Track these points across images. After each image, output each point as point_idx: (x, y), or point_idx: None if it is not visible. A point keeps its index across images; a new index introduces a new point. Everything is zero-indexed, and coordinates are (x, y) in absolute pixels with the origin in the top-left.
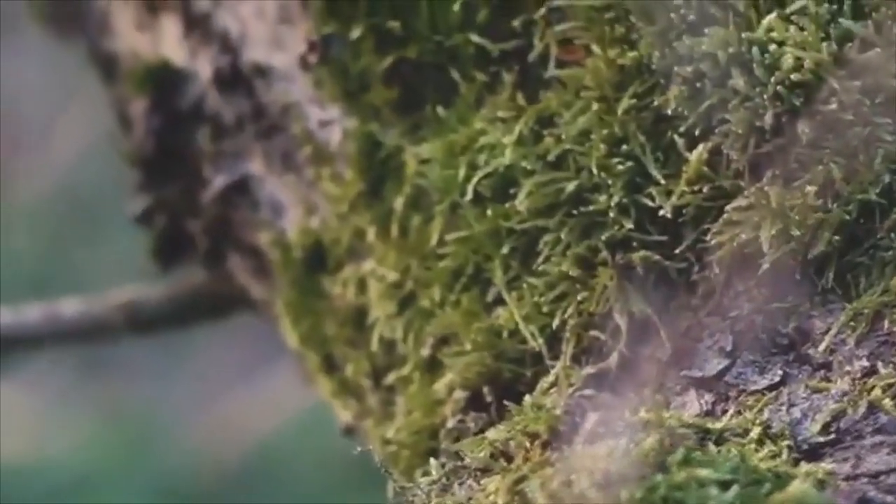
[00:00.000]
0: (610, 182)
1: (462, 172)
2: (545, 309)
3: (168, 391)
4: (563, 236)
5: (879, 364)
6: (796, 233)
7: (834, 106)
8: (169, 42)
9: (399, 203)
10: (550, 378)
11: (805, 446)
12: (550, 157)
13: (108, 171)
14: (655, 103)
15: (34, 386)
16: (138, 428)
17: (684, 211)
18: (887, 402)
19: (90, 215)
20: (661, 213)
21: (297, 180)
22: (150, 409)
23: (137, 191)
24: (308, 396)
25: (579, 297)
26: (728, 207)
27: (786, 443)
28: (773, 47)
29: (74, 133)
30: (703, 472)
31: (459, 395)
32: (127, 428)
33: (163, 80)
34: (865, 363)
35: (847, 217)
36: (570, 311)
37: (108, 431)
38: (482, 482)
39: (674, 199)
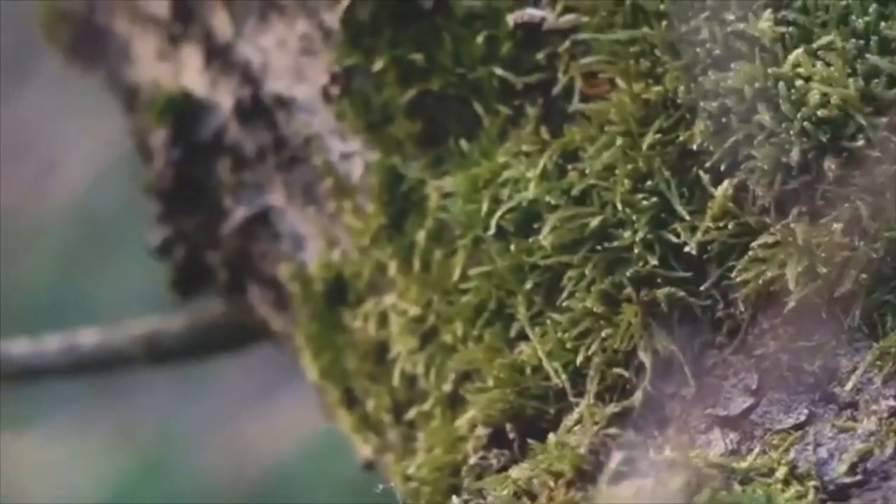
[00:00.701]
0: (634, 218)
1: (485, 206)
2: (569, 345)
3: (183, 414)
4: (587, 272)
5: None
6: (823, 270)
7: (861, 142)
8: (190, 72)
9: (421, 237)
10: (574, 416)
11: (832, 487)
12: (574, 192)
13: (125, 193)
14: (681, 138)
15: (47, 409)
16: (153, 451)
17: (709, 247)
18: None
19: (107, 237)
20: (686, 249)
21: (318, 213)
22: (164, 432)
23: (156, 222)
24: (323, 421)
25: (603, 334)
26: (754, 244)
27: (812, 483)
28: (799, 83)
29: (91, 155)
30: None
31: (482, 431)
32: (141, 451)
33: (183, 111)
34: (892, 403)
35: (874, 255)
36: (594, 347)
37: (123, 455)
38: None
39: (699, 235)
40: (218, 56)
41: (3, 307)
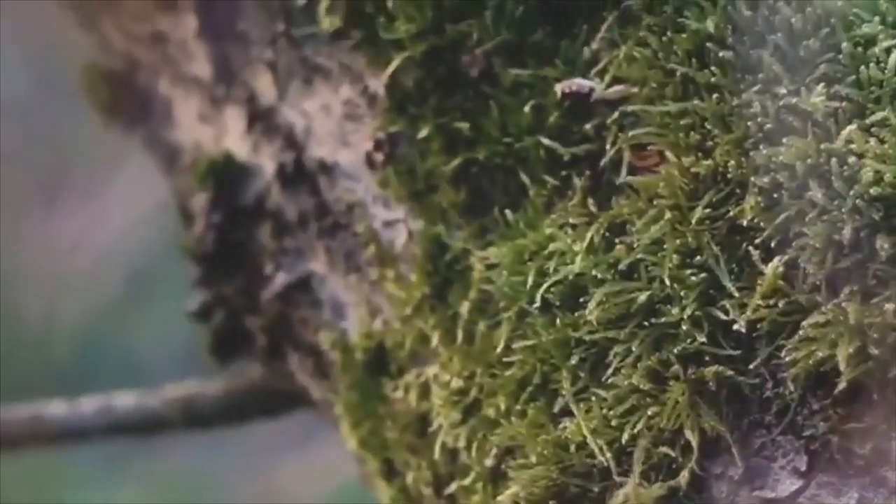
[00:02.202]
0: (683, 294)
1: (530, 279)
2: (614, 422)
3: (218, 459)
4: (633, 348)
5: None
6: (874, 352)
7: None
8: (232, 135)
9: (464, 308)
10: (619, 496)
11: None
12: (622, 266)
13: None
14: (731, 213)
15: (82, 455)
16: (188, 497)
17: (759, 325)
18: None
19: (143, 284)
20: (735, 327)
21: (360, 280)
22: (199, 477)
23: (195, 286)
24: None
25: (650, 412)
26: (804, 323)
27: None
28: (852, 159)
29: (128, 200)
30: None
31: None
32: (177, 497)
33: (225, 175)
34: None
35: None
36: (639, 425)
37: (158, 501)
38: None
39: (748, 312)
40: (261, 119)
41: (45, 354)
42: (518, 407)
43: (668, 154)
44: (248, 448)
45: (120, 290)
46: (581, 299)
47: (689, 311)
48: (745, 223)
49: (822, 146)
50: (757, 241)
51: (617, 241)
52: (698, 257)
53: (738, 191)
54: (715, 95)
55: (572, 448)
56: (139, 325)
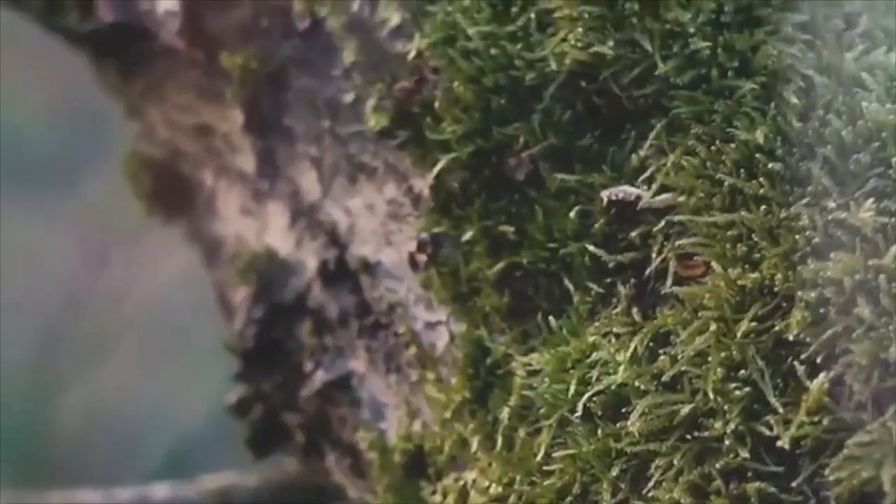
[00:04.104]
0: (726, 407)
1: (572, 387)
2: None
3: None
4: (675, 462)
5: None
6: None
7: None
8: (275, 230)
9: (505, 413)
10: None
11: None
12: (665, 378)
13: (197, 297)
14: (776, 328)
15: None
16: None
17: (803, 442)
18: None
19: (177, 342)
20: (779, 443)
21: (400, 381)
22: None
23: (235, 379)
24: None
25: None
26: (849, 442)
27: None
28: None
29: (162, 256)
30: None
31: None
32: None
33: (267, 270)
34: None
35: None
36: None
37: None
38: None
39: (792, 429)
40: (304, 215)
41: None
42: None
43: (715, 265)
44: None
45: (159, 345)
46: (623, 410)
47: (732, 426)
48: (791, 338)
49: (871, 262)
50: (803, 356)
51: (661, 351)
52: (743, 371)
53: (784, 305)
54: (763, 207)
55: None
56: (173, 380)
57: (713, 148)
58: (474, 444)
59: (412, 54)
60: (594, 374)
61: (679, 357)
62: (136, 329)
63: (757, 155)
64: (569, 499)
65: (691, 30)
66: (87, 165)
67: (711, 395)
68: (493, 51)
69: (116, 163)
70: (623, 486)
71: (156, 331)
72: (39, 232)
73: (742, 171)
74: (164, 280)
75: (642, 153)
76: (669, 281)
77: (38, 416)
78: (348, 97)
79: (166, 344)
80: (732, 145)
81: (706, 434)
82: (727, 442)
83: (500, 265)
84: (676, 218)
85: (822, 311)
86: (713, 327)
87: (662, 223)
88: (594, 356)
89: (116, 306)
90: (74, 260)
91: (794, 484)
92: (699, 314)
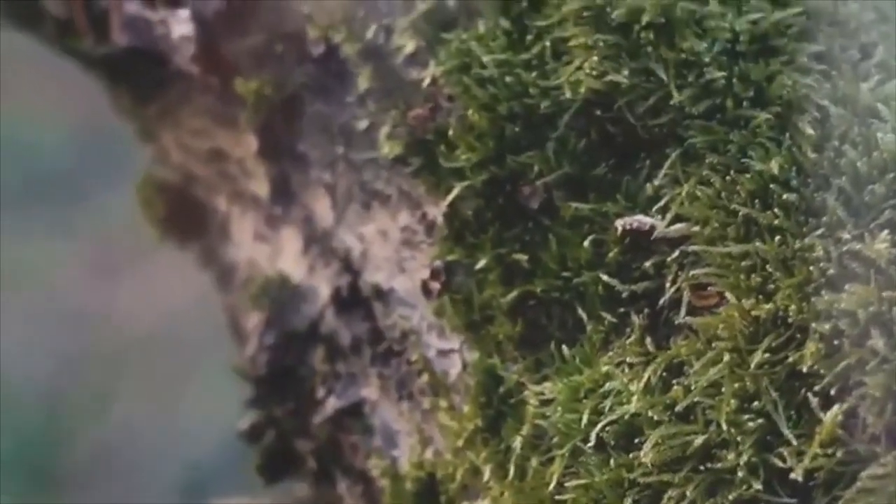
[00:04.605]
0: (739, 439)
1: (585, 417)
2: None
3: None
4: (688, 493)
5: None
6: None
7: None
8: (288, 256)
9: (517, 442)
10: None
11: None
12: (678, 408)
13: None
14: (790, 359)
15: None
16: None
17: (816, 474)
18: None
19: (189, 363)
20: (792, 475)
21: (413, 409)
22: None
23: (247, 405)
24: None
25: None
26: (862, 474)
27: None
28: None
29: (174, 273)
30: None
31: None
32: None
33: (280, 296)
34: None
35: None
36: None
37: None
38: None
39: (806, 461)
40: (317, 241)
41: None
42: None
43: (729, 295)
44: None
45: (171, 367)
46: (636, 440)
47: (745, 457)
48: (804, 369)
49: (885, 294)
50: (816, 388)
51: (674, 382)
52: (756, 402)
53: (798, 336)
54: (777, 238)
55: None
56: (185, 403)
57: (728, 178)
58: (486, 472)
59: (427, 81)
60: (607, 403)
61: (692, 388)
62: (147, 350)
63: (772, 185)
64: None
65: (706, 59)
66: (105, 182)
67: (725, 427)
68: (507, 79)
69: (134, 180)
70: None
71: (168, 352)
72: (54, 248)
73: (757, 201)
74: (177, 300)
75: (657, 182)
76: (683, 311)
77: (48, 435)
78: (362, 124)
79: (178, 366)
80: (747, 175)
81: (719, 465)
82: (740, 473)
83: (513, 294)
84: (691, 248)
85: (836, 342)
86: (727, 358)
87: (676, 253)
88: (607, 386)
89: (129, 326)
90: (88, 278)
91: None
92: (713, 345)
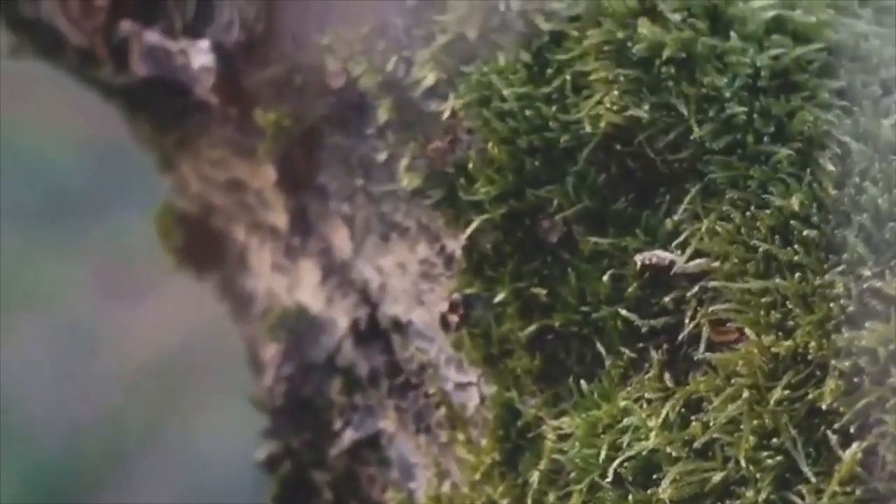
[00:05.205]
0: (758, 476)
1: (603, 452)
2: None
3: None
4: None
5: None
6: None
7: None
8: (306, 287)
9: (535, 477)
10: None
11: None
12: (697, 445)
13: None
14: (810, 396)
15: None
16: None
17: None
18: None
19: (198, 379)
20: None
21: (430, 442)
22: None
23: (264, 436)
24: None
25: None
26: None
27: None
28: None
29: (189, 296)
30: None
31: None
32: None
33: (298, 327)
34: None
35: None
36: None
37: None
38: None
39: (825, 499)
40: (336, 273)
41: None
42: None
43: (748, 332)
44: None
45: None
46: (654, 476)
47: (764, 495)
48: (824, 406)
49: None
50: (836, 425)
51: (693, 418)
52: (775, 439)
53: (818, 373)
54: (797, 274)
55: None
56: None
57: (748, 214)
58: None
59: (446, 114)
60: (625, 439)
61: (711, 424)
62: (160, 374)
63: (792, 221)
64: None
65: (727, 94)
66: (122, 202)
67: (743, 463)
68: (527, 112)
69: (151, 200)
70: None
71: (181, 376)
72: (69, 269)
73: (777, 237)
74: (192, 323)
75: (676, 217)
76: (702, 347)
77: (59, 455)
78: (382, 156)
79: (192, 391)
80: (767, 211)
81: (738, 502)
82: None
83: (531, 327)
84: (710, 283)
85: (855, 380)
86: (746, 395)
87: (696, 288)
88: (625, 421)
89: (142, 349)
90: (102, 299)
91: None
92: (732, 381)
